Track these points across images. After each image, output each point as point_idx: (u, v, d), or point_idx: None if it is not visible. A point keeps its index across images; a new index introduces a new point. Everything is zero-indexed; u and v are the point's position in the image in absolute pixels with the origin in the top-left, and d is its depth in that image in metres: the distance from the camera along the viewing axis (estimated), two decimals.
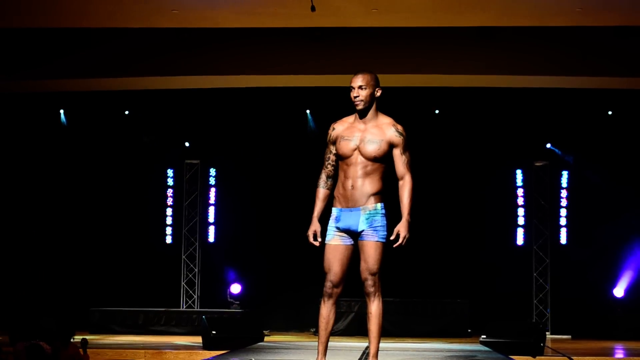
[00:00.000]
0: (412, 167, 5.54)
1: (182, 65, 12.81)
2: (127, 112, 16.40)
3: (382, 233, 5.48)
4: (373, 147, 5.45)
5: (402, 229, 5.41)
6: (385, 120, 5.57)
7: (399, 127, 5.53)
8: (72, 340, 8.88)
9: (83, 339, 9.13)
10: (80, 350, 8.81)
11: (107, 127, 16.71)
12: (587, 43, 12.05)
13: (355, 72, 5.64)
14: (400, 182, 5.55)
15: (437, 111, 16.25)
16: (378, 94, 5.57)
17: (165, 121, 16.64)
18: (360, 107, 5.54)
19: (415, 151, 15.21)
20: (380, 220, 5.48)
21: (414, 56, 12.45)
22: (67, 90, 14.28)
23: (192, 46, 12.45)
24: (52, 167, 16.73)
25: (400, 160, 5.52)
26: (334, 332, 14.24)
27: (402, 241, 5.39)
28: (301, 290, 16.24)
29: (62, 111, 16.19)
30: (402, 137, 5.50)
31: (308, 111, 16.17)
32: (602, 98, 15.25)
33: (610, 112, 15.88)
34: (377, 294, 5.58)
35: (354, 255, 5.56)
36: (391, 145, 5.49)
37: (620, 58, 12.28)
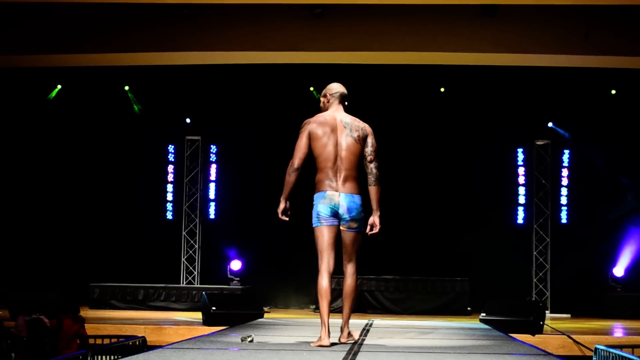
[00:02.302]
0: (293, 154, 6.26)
1: (183, 41, 12.74)
2: (127, 88, 16.40)
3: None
4: None
5: None
6: None
7: None
8: (79, 314, 8.83)
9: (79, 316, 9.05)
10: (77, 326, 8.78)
11: (108, 103, 16.70)
12: (590, 21, 11.97)
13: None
14: None
15: (442, 89, 16.22)
16: (322, 100, 6.48)
17: (166, 97, 16.60)
18: None
19: (418, 130, 15.15)
20: None
21: (415, 33, 12.37)
22: (66, 66, 14.22)
23: (193, 22, 12.39)
24: (54, 144, 16.72)
25: None
26: (334, 309, 14.32)
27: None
28: (301, 267, 16.25)
29: (59, 86, 16.20)
30: None
31: (312, 88, 16.10)
32: (605, 77, 15.21)
33: (613, 92, 15.84)
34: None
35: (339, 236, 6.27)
36: None
37: (624, 37, 12.20)
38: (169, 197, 17.36)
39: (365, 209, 6.24)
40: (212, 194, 17.37)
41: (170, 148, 17.38)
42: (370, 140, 6.23)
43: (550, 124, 16.60)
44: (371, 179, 6.23)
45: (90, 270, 16.00)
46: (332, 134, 6.20)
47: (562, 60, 12.87)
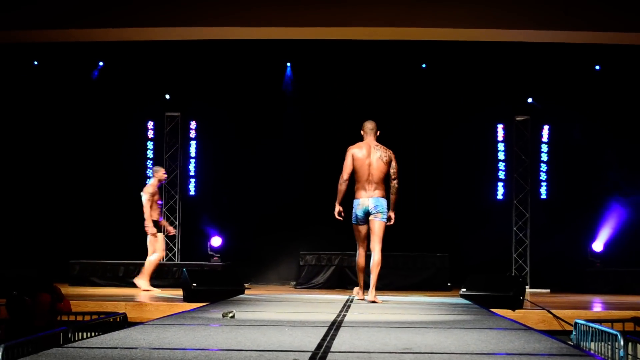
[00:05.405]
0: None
1: (162, 16, 12.60)
2: (101, 64, 16.32)
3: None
4: None
5: None
6: None
7: None
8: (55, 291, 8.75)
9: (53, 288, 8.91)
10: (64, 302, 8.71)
11: (86, 80, 16.59)
12: None
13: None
14: None
15: (423, 65, 16.19)
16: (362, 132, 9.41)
17: (146, 73, 16.50)
18: None
19: (398, 106, 15.27)
20: None
21: (393, 8, 12.28)
22: (41, 41, 14.06)
23: None
24: (32, 121, 16.60)
25: None
26: (315, 285, 14.35)
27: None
28: (282, 243, 16.27)
29: (35, 62, 16.09)
30: None
31: (289, 64, 16.06)
32: (586, 53, 15.22)
33: (597, 67, 15.85)
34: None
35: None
36: None
37: (604, 12, 12.17)
38: (149, 173, 17.29)
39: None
40: (192, 171, 17.32)
41: (150, 124, 17.30)
42: (393, 163, 9.03)
43: (530, 100, 16.63)
44: (392, 190, 9.01)
45: (71, 247, 15.94)
46: (366, 157, 8.97)
47: (542, 36, 12.80)
